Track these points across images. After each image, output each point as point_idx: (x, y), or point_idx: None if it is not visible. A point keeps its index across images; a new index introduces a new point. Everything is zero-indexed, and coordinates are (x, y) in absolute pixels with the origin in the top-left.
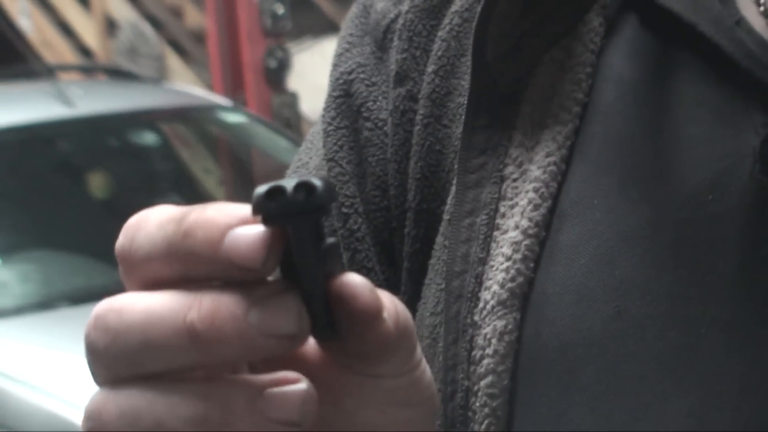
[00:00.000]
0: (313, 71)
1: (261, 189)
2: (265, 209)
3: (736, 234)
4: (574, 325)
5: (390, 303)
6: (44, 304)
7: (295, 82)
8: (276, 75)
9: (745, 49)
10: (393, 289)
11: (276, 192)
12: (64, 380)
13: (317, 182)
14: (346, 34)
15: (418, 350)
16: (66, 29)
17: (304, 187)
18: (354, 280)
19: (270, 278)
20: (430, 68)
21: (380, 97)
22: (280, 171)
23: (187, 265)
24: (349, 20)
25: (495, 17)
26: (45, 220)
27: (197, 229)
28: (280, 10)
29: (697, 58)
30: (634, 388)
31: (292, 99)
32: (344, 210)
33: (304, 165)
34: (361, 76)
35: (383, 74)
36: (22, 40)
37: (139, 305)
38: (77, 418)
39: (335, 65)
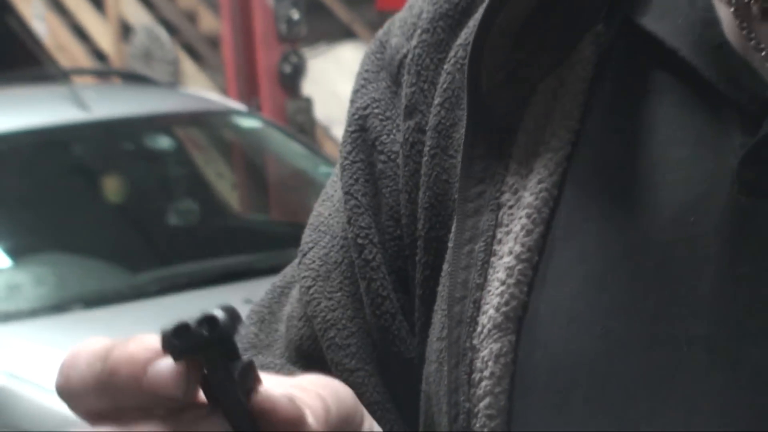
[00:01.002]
0: (327, 77)
1: (167, 328)
2: (171, 347)
3: (716, 254)
4: (565, 347)
5: (317, 399)
6: (58, 306)
7: (309, 87)
8: (291, 80)
9: (725, 73)
10: (408, 315)
11: (181, 330)
12: None
13: (218, 314)
14: (363, 70)
15: (366, 422)
16: (81, 33)
17: (206, 321)
18: (270, 394)
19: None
20: (436, 101)
21: (394, 131)
22: (294, 176)
23: (116, 399)
24: (366, 56)
25: (488, 49)
26: (59, 223)
27: (120, 366)
28: (296, 15)
29: (680, 82)
30: (621, 408)
31: (307, 104)
32: (359, 241)
33: (329, 198)
34: (376, 111)
35: (397, 108)
36: (37, 43)
37: None
38: None
39: (352, 101)
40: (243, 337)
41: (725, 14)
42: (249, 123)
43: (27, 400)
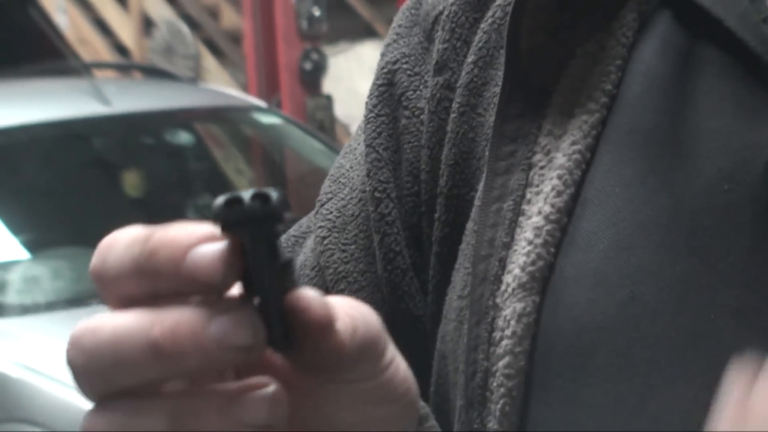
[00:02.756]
0: (348, 75)
1: (220, 199)
2: (222, 216)
3: (748, 223)
4: (590, 309)
5: (347, 316)
6: (75, 300)
7: (330, 85)
8: (311, 78)
9: None
10: (420, 272)
11: (234, 201)
12: None
13: (272, 193)
14: (396, 25)
15: (389, 353)
16: (102, 27)
17: (259, 196)
18: (307, 293)
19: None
20: (469, 59)
21: (421, 87)
22: (313, 173)
23: (153, 283)
24: (401, 11)
25: (531, 9)
26: (78, 217)
27: (161, 248)
28: (317, 12)
29: (723, 52)
30: (644, 371)
31: (327, 102)
32: (377, 194)
33: (352, 150)
34: (405, 66)
35: (427, 64)
36: (59, 36)
37: (109, 325)
38: None
39: (383, 54)
40: None
41: None
42: (269, 119)
43: (42, 393)
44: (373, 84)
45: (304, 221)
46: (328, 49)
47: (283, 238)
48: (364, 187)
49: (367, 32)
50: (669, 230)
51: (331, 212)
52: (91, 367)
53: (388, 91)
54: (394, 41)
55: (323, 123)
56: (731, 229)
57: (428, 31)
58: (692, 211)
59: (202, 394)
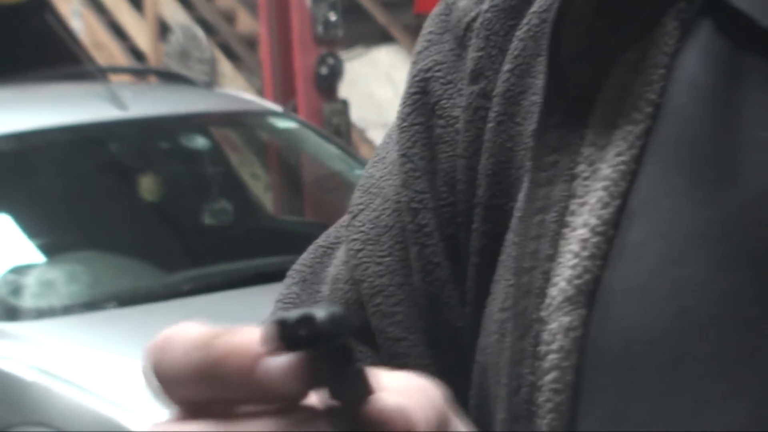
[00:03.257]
0: (364, 80)
1: (282, 317)
2: (291, 337)
3: None
4: (638, 323)
5: (420, 409)
6: (91, 304)
7: (345, 90)
8: (327, 82)
9: None
10: (457, 284)
11: (305, 320)
12: (111, 381)
13: (319, 315)
14: (426, 32)
15: (452, 426)
16: (118, 31)
17: (306, 320)
18: (385, 406)
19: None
20: (505, 67)
21: (455, 95)
22: (329, 177)
23: (219, 391)
24: (431, 18)
25: (571, 17)
26: (94, 221)
27: (228, 358)
28: (333, 17)
29: (766, 62)
30: (694, 387)
31: (343, 107)
32: (414, 205)
33: (381, 160)
34: (438, 74)
35: (460, 72)
36: (74, 41)
37: None
38: (123, 419)
39: (414, 62)
40: (285, 297)
41: None
42: (284, 124)
43: (59, 397)
44: (406, 92)
45: (332, 231)
46: (343, 54)
47: (311, 248)
48: (398, 197)
49: (383, 37)
50: (719, 242)
51: (364, 224)
52: None
53: (421, 100)
54: (426, 48)
55: (339, 128)
56: None
57: (460, 38)
58: (742, 223)
59: None
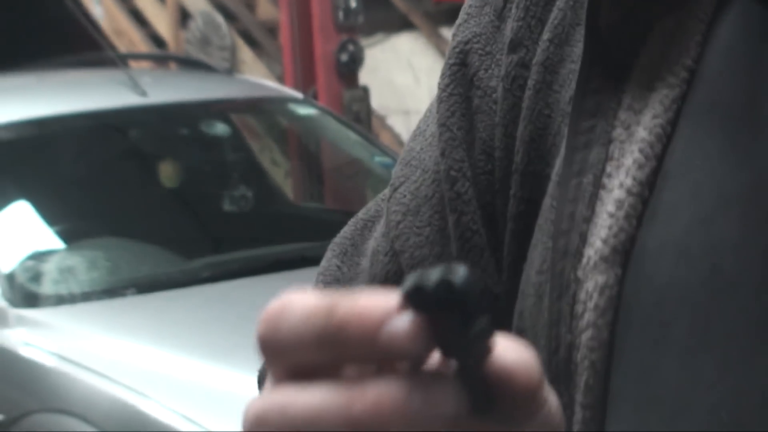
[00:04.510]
0: (384, 67)
1: (406, 285)
2: (414, 300)
3: None
4: (671, 282)
5: (537, 365)
6: (111, 291)
7: (366, 76)
8: (347, 69)
9: None
10: (494, 251)
11: (419, 289)
12: (130, 367)
13: (458, 278)
14: (467, 6)
15: (547, 387)
16: (138, 18)
17: (445, 283)
18: (509, 360)
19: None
20: (545, 36)
21: (493, 66)
22: (349, 164)
23: (340, 354)
24: None
25: None
26: (114, 207)
27: (351, 322)
28: (354, 4)
29: None
30: (723, 344)
31: (363, 94)
32: (452, 173)
33: (422, 133)
34: (476, 46)
35: (499, 43)
36: (95, 27)
37: (301, 402)
38: (142, 405)
39: (454, 35)
40: (326, 270)
41: None
42: (305, 110)
43: (78, 383)
44: (446, 64)
45: (371, 205)
46: (364, 41)
47: (352, 221)
48: (437, 167)
49: (404, 24)
50: (752, 203)
51: (405, 195)
52: None
53: (460, 71)
54: (465, 21)
55: (359, 114)
56: None
57: (499, 10)
58: None
59: None
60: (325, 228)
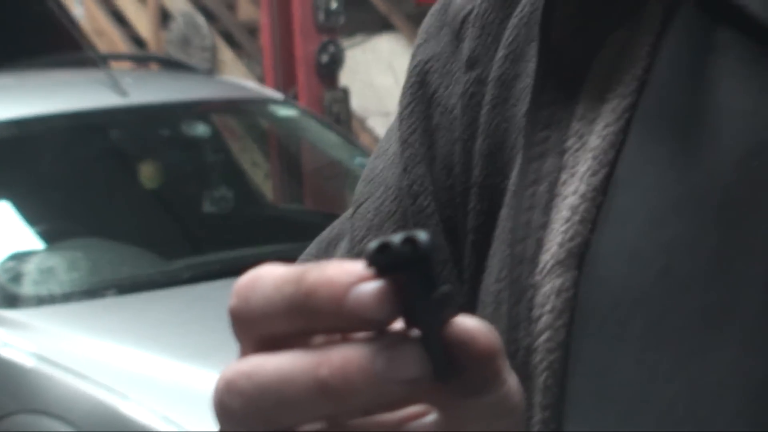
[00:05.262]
0: (364, 68)
1: (372, 245)
2: (375, 263)
3: None
4: (625, 282)
5: (496, 333)
6: (91, 291)
7: (346, 78)
8: (328, 70)
9: None
10: (456, 262)
11: (385, 247)
12: (110, 368)
13: (421, 235)
14: (425, 28)
15: (507, 364)
16: (119, 19)
17: (409, 240)
18: (469, 324)
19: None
20: (500, 53)
21: (452, 84)
22: (329, 165)
23: (308, 322)
24: (429, 15)
25: (561, 1)
26: (94, 208)
27: (319, 288)
28: (334, 5)
29: (745, 38)
30: (677, 340)
31: (344, 95)
32: (415, 188)
33: (384, 152)
34: (436, 65)
35: (457, 62)
36: (75, 28)
37: (269, 367)
38: (122, 406)
39: (413, 56)
40: None
41: None
42: (285, 112)
43: (58, 384)
44: (406, 83)
45: (336, 224)
46: (344, 42)
47: (316, 241)
48: (400, 183)
49: (384, 26)
50: (701, 205)
51: (368, 212)
52: (251, 411)
53: (420, 90)
54: (424, 42)
55: (339, 116)
56: (761, 202)
57: (457, 31)
58: (723, 187)
59: (365, 426)
60: (305, 229)
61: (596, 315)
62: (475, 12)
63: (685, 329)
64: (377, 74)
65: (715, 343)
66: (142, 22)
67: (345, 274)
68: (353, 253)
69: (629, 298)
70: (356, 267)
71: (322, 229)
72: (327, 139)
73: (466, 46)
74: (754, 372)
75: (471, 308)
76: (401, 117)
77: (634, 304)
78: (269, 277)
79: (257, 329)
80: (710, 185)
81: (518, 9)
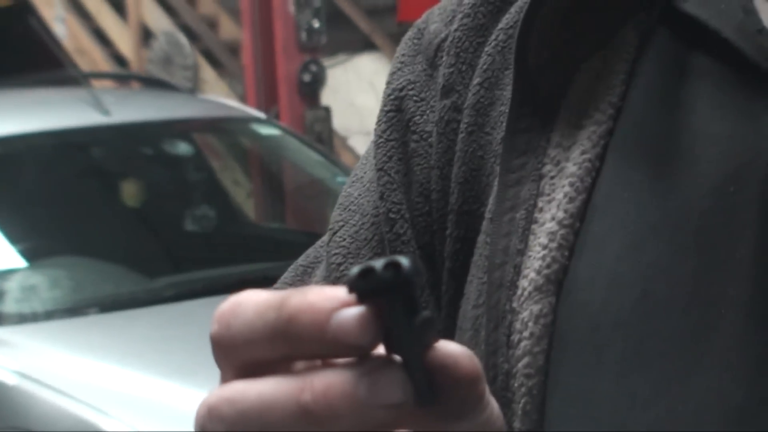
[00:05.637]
0: (346, 87)
1: (353, 270)
2: (358, 288)
3: (754, 221)
4: (604, 308)
5: (474, 354)
6: (73, 310)
7: (328, 97)
8: (310, 89)
9: (766, 54)
10: (434, 289)
11: (366, 272)
12: (92, 386)
13: (404, 261)
14: (399, 55)
15: (488, 389)
16: (101, 37)
17: (391, 265)
18: (452, 349)
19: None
20: (475, 81)
21: (427, 111)
22: (311, 184)
23: (291, 348)
24: (403, 42)
25: (537, 28)
26: (76, 226)
27: (301, 314)
28: (316, 24)
29: (720, 64)
30: (657, 365)
31: (326, 114)
32: (392, 215)
33: (359, 179)
34: (411, 92)
35: (432, 90)
36: (57, 46)
37: (251, 393)
38: (104, 424)
39: (388, 82)
40: None
41: (763, 7)
42: (267, 130)
43: (40, 402)
44: (381, 111)
45: (311, 251)
46: (326, 61)
47: (291, 268)
48: (376, 210)
49: (366, 45)
50: (678, 230)
51: (344, 239)
52: None
53: (396, 117)
54: (399, 69)
55: (321, 135)
56: (738, 227)
57: (431, 59)
58: (700, 212)
59: None
60: (287, 248)
61: (575, 340)
62: (449, 39)
63: (665, 354)
64: (359, 93)
65: (694, 368)
66: (124, 41)
67: (327, 299)
68: (330, 280)
69: (608, 323)
70: (338, 292)
71: (305, 248)
72: (308, 158)
73: (441, 74)
74: (734, 397)
75: (449, 334)
76: (377, 144)
77: (613, 329)
78: (250, 303)
79: (239, 355)
80: (687, 210)
81: (493, 36)
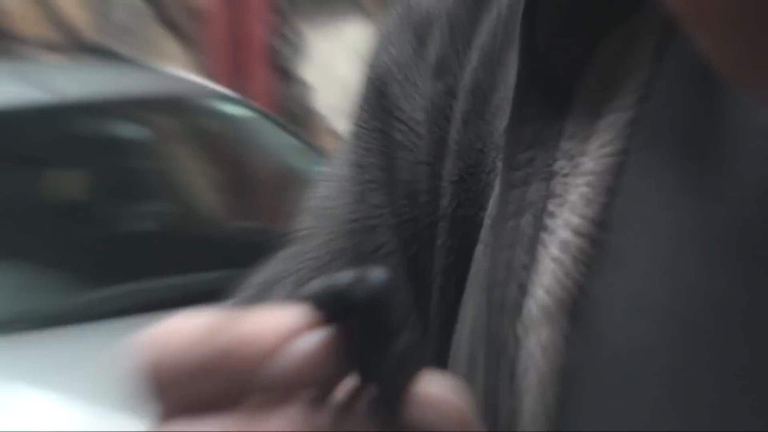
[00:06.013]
0: (329, 58)
1: (314, 285)
2: (321, 307)
3: None
4: (628, 339)
5: (463, 391)
6: None
7: (308, 71)
8: (285, 61)
9: None
10: (421, 310)
11: (331, 288)
12: (13, 412)
13: (377, 273)
14: (384, 30)
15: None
16: (46, 1)
17: (361, 279)
18: (437, 385)
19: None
20: (473, 60)
21: (416, 96)
22: (287, 175)
23: (229, 384)
24: (389, 15)
25: (546, 1)
26: (1, 225)
27: (239, 348)
28: None
29: None
30: (687, 398)
31: (304, 90)
32: (371, 222)
33: (334, 177)
34: (398, 76)
35: (422, 70)
36: None
37: None
38: None
39: (369, 62)
40: None
41: None
42: (235, 110)
43: None
44: (360, 95)
45: (275, 263)
46: (305, 28)
47: (252, 283)
48: (353, 216)
49: (353, 7)
50: (718, 243)
51: (315, 250)
52: None
53: (378, 103)
54: (383, 47)
55: (299, 115)
56: None
57: (421, 35)
58: (741, 220)
59: None
60: (257, 252)
61: (592, 371)
62: (443, 11)
63: (700, 387)
64: (343, 65)
65: (730, 401)
66: (71, 5)
67: (271, 328)
68: (296, 298)
69: (630, 351)
70: (286, 318)
71: (277, 251)
72: (283, 142)
73: (432, 52)
74: None
75: (440, 366)
76: (356, 135)
77: (638, 362)
78: (181, 331)
79: (171, 392)
80: (727, 219)
81: (494, 10)
